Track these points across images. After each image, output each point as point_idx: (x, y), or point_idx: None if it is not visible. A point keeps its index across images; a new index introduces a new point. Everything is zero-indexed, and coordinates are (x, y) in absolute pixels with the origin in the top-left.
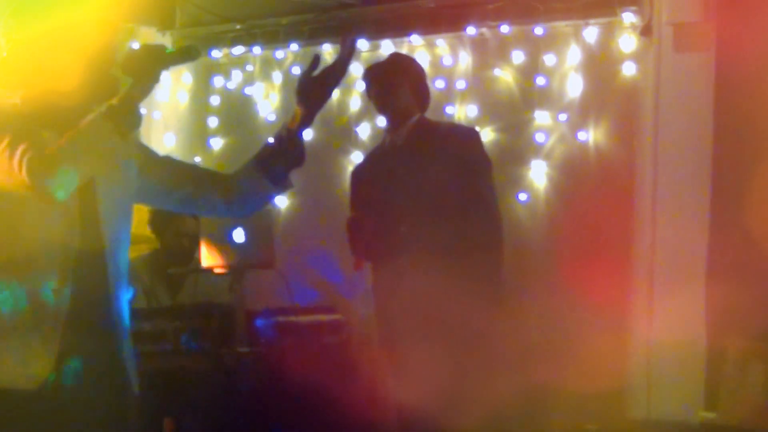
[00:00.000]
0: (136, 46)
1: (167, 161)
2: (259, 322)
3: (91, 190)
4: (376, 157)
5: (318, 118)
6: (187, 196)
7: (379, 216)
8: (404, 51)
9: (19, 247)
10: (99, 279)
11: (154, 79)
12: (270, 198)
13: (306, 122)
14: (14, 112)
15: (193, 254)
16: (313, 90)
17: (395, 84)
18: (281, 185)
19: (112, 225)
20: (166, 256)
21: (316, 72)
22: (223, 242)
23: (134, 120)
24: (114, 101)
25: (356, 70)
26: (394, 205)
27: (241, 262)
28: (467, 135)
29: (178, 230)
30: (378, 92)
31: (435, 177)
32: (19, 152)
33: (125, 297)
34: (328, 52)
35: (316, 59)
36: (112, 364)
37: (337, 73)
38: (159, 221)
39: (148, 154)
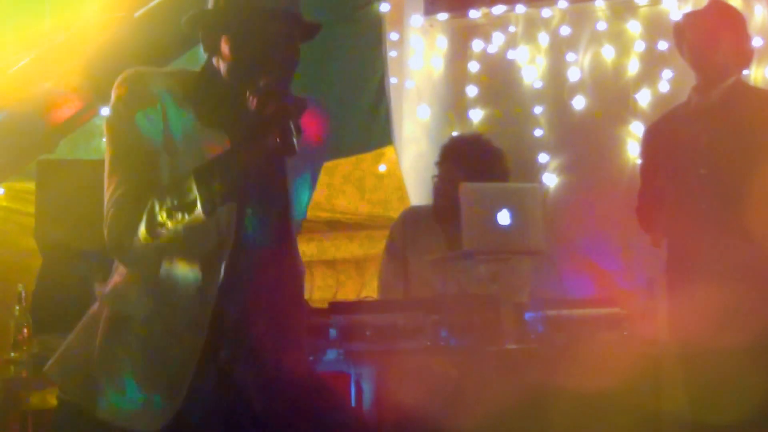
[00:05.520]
0: None
1: None
2: (528, 316)
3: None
4: (679, 118)
5: (590, 83)
6: None
7: (679, 185)
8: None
9: None
10: None
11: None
12: None
13: None
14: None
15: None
16: None
17: (716, 37)
18: None
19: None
20: None
21: None
22: (486, 225)
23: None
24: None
25: (633, 28)
26: (695, 175)
27: (507, 247)
28: None
29: None
30: (694, 44)
31: (749, 148)
32: (109, 212)
33: None
34: (601, 8)
35: None
36: None
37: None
38: None
39: None
